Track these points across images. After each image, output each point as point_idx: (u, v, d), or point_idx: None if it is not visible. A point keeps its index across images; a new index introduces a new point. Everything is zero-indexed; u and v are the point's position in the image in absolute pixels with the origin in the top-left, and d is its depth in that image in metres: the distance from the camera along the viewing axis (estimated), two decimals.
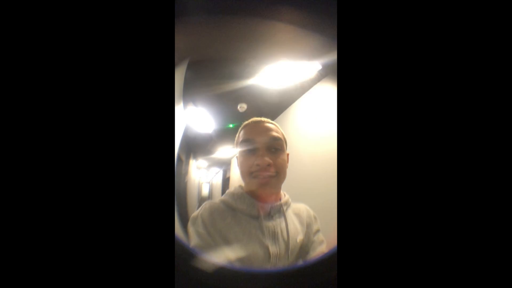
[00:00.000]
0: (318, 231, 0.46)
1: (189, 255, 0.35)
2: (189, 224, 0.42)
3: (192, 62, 0.45)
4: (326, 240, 0.46)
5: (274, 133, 0.42)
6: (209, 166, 0.51)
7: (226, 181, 0.52)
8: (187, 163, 0.48)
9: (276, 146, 0.42)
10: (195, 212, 0.43)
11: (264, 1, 0.37)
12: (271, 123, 0.44)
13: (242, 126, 0.46)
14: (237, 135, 0.46)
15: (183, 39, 0.40)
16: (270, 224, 0.43)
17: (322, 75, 0.50)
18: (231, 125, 0.47)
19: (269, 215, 0.44)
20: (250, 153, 0.42)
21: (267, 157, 0.41)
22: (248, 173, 0.41)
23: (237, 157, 0.45)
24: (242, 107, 0.47)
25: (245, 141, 0.42)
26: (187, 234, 0.42)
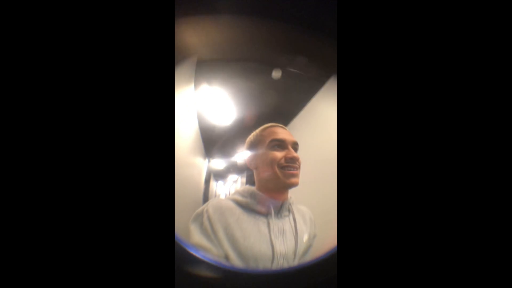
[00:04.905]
0: (315, 236, 0.47)
1: (190, 256, 0.35)
2: (191, 221, 0.42)
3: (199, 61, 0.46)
4: (323, 243, 0.46)
5: (294, 139, 0.49)
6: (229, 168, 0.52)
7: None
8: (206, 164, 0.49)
9: (296, 148, 0.48)
10: (199, 209, 0.42)
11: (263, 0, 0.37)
12: (287, 129, 0.50)
13: (262, 128, 0.48)
14: (255, 136, 0.48)
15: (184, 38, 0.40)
16: (280, 222, 0.44)
17: (323, 77, 0.50)
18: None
19: (279, 213, 0.45)
20: (279, 149, 0.47)
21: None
22: (277, 165, 0.46)
23: (256, 154, 0.47)
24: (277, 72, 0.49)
25: (276, 140, 0.47)
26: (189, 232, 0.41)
